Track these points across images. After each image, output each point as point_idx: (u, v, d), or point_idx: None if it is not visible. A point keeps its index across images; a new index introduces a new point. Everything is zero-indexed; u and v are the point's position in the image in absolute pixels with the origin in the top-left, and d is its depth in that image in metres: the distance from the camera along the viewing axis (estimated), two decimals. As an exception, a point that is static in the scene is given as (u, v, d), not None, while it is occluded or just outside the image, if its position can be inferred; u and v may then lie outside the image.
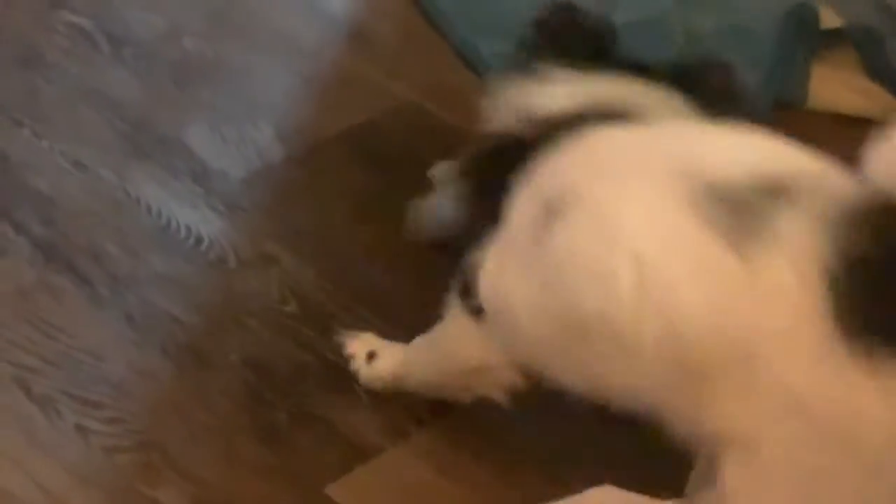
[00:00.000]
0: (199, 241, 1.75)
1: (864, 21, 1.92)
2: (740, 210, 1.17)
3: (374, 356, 1.56)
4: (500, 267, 1.35)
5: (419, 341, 1.53)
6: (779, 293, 1.16)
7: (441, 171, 1.65)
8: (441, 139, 1.84)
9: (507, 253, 1.34)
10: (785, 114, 1.90)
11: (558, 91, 1.41)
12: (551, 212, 1.27)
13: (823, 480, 1.19)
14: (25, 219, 1.77)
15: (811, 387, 1.15)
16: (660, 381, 1.22)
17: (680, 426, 1.25)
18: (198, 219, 1.76)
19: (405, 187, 1.71)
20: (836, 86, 1.91)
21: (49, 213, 1.78)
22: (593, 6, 1.49)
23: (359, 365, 1.57)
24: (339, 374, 1.56)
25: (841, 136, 1.67)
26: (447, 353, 1.48)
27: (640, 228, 1.21)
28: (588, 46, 1.44)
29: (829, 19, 1.93)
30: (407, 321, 1.57)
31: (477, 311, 1.40)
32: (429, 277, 1.52)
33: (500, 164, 1.36)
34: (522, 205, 1.32)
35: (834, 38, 1.94)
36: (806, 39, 1.93)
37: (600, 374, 1.28)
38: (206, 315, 1.65)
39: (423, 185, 1.68)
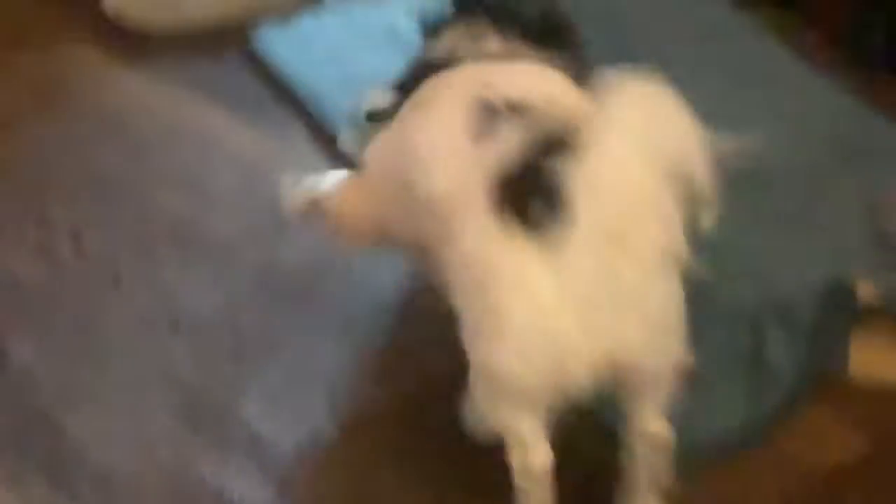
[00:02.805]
0: (252, 513, 1.77)
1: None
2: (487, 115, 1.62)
3: None
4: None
5: None
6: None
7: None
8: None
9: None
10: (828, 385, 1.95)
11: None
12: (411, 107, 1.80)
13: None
14: (82, 493, 1.80)
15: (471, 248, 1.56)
16: (429, 222, 1.67)
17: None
18: (250, 490, 1.78)
19: (457, 456, 1.75)
20: (876, 356, 1.95)
21: (105, 487, 1.81)
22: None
23: None
24: None
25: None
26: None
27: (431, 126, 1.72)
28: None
29: (867, 292, 1.98)
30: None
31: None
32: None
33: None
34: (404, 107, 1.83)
35: (873, 310, 1.99)
36: (845, 313, 1.98)
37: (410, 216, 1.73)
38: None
39: (475, 450, 1.70)
